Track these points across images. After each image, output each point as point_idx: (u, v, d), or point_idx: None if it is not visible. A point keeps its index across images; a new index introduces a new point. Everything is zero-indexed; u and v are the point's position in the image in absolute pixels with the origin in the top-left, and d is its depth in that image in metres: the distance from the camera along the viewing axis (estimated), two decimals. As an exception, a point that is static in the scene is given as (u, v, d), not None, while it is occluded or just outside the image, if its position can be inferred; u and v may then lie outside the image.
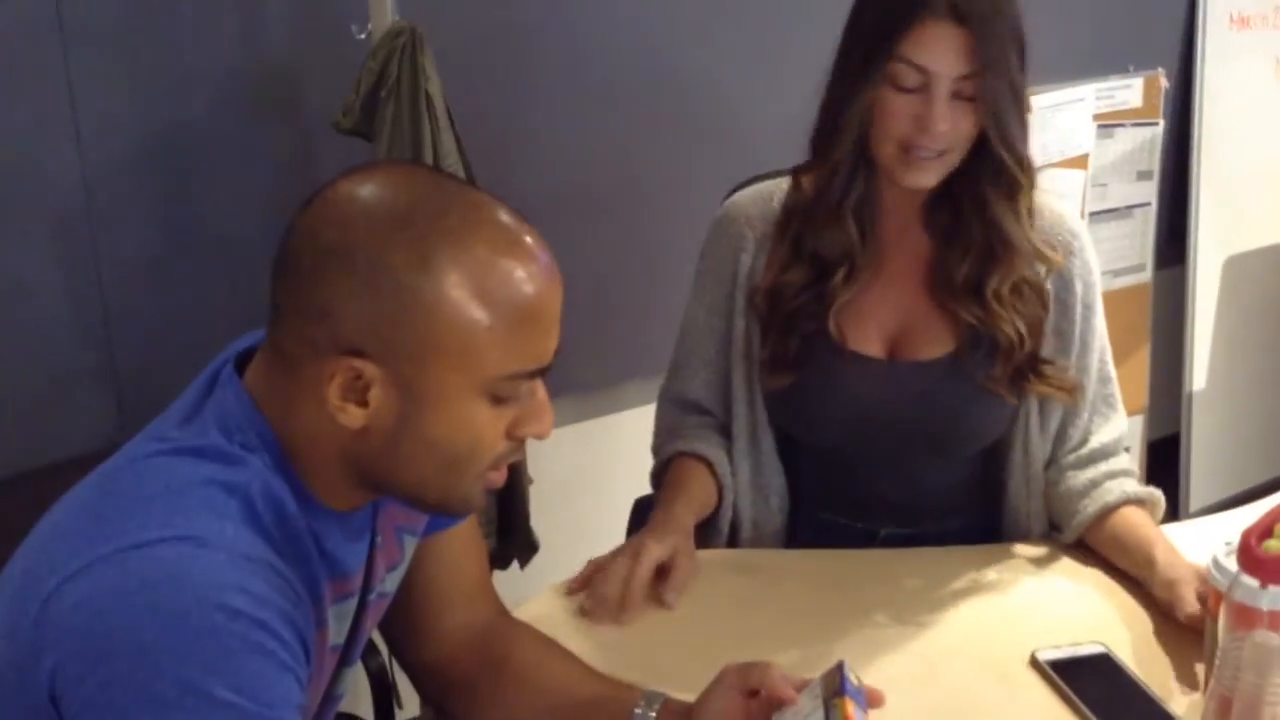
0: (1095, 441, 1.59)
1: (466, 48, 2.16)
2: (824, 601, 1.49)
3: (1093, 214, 2.98)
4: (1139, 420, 3.10)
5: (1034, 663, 1.33)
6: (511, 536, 2.19)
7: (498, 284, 0.95)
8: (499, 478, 1.05)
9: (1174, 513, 1.57)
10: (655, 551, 1.45)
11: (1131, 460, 1.63)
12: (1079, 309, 1.58)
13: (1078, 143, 2.92)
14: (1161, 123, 3.05)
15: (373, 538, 1.12)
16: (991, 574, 1.53)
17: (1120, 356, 1.65)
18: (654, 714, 1.20)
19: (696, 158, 2.44)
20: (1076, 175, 2.94)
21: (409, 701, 1.65)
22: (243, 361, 1.04)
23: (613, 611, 1.42)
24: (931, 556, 1.59)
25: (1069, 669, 1.31)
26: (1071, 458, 1.60)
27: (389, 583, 1.18)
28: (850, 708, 1.10)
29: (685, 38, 2.43)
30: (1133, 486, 1.55)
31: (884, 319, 1.58)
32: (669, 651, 1.38)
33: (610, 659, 1.33)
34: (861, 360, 1.57)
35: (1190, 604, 1.34)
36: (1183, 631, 1.36)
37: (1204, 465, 3.32)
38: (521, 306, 0.97)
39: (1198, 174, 3.18)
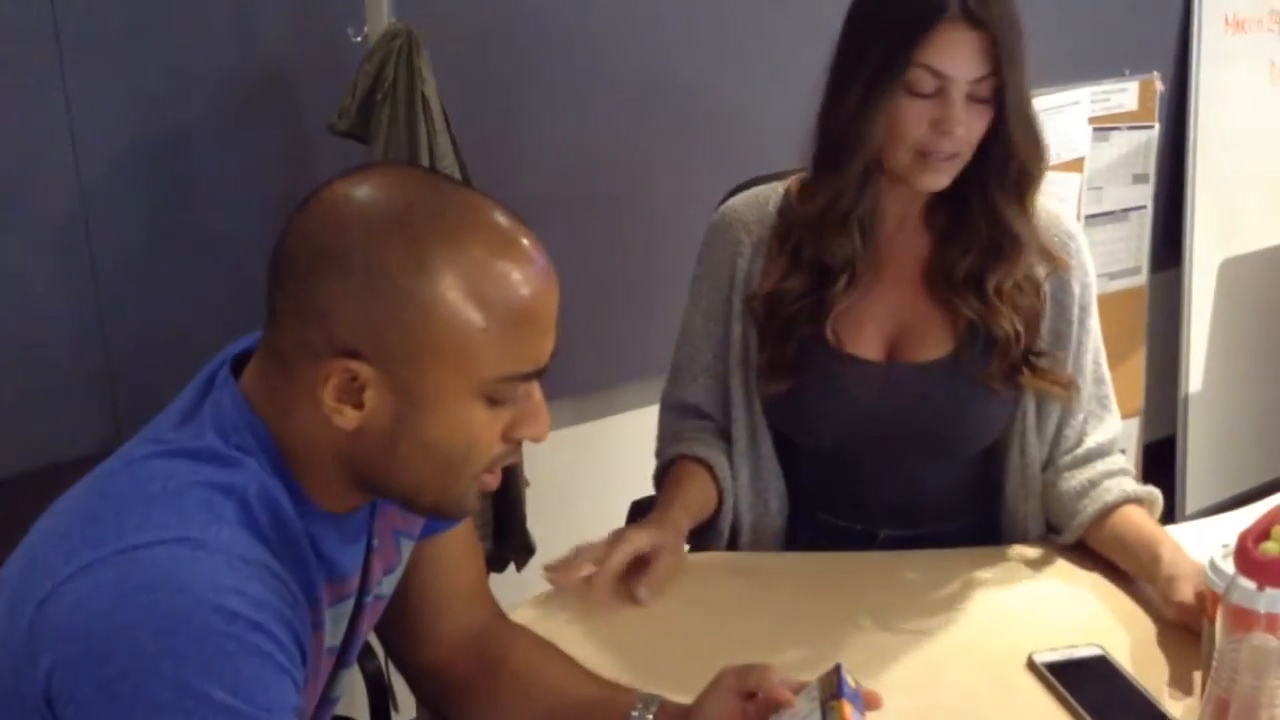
0: (1091, 442, 1.60)
1: (462, 50, 2.16)
2: (823, 603, 1.49)
3: (1088, 217, 2.99)
4: (1135, 423, 3.11)
5: (1031, 665, 1.33)
6: (508, 539, 2.19)
7: (493, 286, 0.95)
8: (493, 481, 1.05)
9: (1170, 515, 1.57)
10: (636, 540, 1.46)
11: (1128, 461, 1.63)
12: (1075, 310, 1.58)
13: (1073, 146, 2.93)
14: (1157, 126, 3.06)
15: (369, 540, 1.12)
16: (989, 576, 1.53)
17: (1116, 359, 1.66)
18: (651, 716, 1.20)
19: (693, 160, 2.44)
20: (1072, 178, 2.94)
21: (405, 704, 1.65)
22: (239, 364, 1.04)
23: (577, 585, 1.41)
24: (930, 558, 1.59)
25: (1066, 671, 1.31)
26: (1068, 458, 1.60)
27: (386, 585, 1.18)
28: (847, 710, 1.10)
29: (682, 40, 2.43)
30: (1131, 485, 1.55)
31: (882, 321, 1.59)
32: (666, 654, 1.38)
33: (607, 661, 1.33)
34: (859, 363, 1.57)
35: (1181, 595, 1.34)
36: (1180, 634, 1.36)
37: (1200, 468, 3.32)
38: (517, 308, 0.96)
39: (1193, 177, 3.18)
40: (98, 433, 1.98)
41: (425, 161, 1.91)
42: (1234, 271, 3.30)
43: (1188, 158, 3.17)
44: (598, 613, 1.45)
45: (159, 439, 1.00)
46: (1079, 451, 1.60)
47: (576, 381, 2.44)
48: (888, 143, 1.47)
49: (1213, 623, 1.20)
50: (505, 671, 1.28)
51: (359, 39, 1.97)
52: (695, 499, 1.60)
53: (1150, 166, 3.08)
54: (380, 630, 1.26)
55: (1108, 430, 1.61)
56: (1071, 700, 1.26)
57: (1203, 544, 1.41)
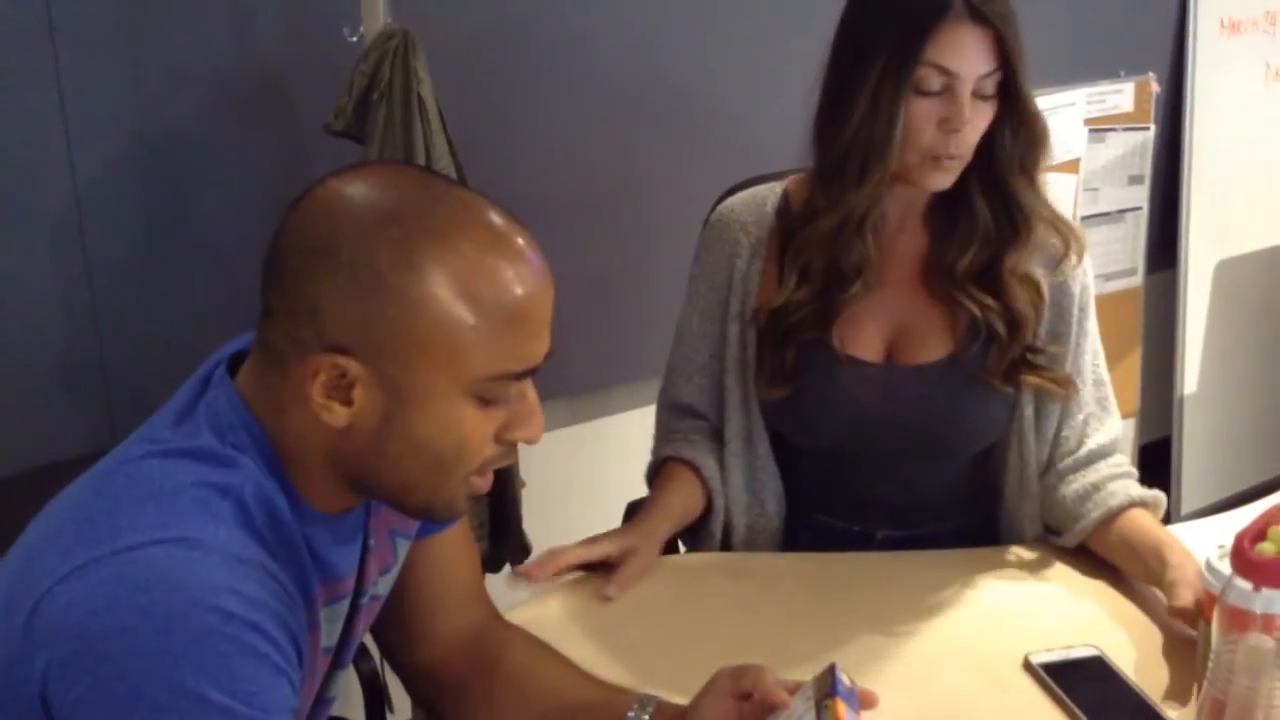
0: (1092, 443, 1.59)
1: (459, 50, 2.16)
2: (820, 604, 1.49)
3: (1084, 218, 2.99)
4: (1130, 424, 3.11)
5: (1027, 665, 1.33)
6: (504, 540, 2.18)
7: (484, 283, 0.95)
8: (483, 483, 1.04)
9: (1166, 517, 1.57)
10: (603, 545, 1.49)
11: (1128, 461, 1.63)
12: (1074, 311, 1.59)
13: (1069, 147, 2.93)
14: (1153, 127, 3.06)
15: (365, 540, 1.11)
16: (986, 577, 1.53)
17: (1112, 360, 1.66)
18: (647, 717, 1.20)
19: (690, 160, 2.44)
20: (1068, 179, 2.95)
21: (401, 705, 1.64)
22: (235, 363, 1.04)
23: (536, 570, 1.45)
24: (927, 559, 1.59)
25: (1062, 671, 1.31)
26: (1069, 461, 1.59)
27: (381, 585, 1.18)
28: (841, 708, 1.10)
29: (678, 40, 2.43)
30: (1136, 489, 1.54)
31: (881, 323, 1.59)
32: (663, 655, 1.38)
33: (603, 662, 1.33)
34: (859, 365, 1.57)
35: (1181, 600, 1.34)
36: (1176, 634, 1.36)
37: (1195, 469, 3.33)
38: (509, 306, 0.96)
39: (1189, 178, 3.19)
40: (93, 432, 1.97)
41: (421, 161, 1.91)
42: (1229, 273, 3.31)
43: (1183, 159, 3.18)
44: (594, 613, 1.45)
45: (154, 438, 1.00)
46: (1080, 454, 1.59)
47: (572, 382, 2.44)
48: (898, 146, 1.47)
49: (1209, 623, 1.21)
50: (501, 672, 1.27)
51: (355, 39, 1.97)
52: (676, 503, 1.61)
53: (1146, 168, 3.09)
54: (376, 630, 1.26)
55: (1108, 432, 1.61)
56: (1067, 700, 1.26)
57: (1199, 545, 1.41)
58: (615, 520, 1.73)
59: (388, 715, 1.80)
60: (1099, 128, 2.98)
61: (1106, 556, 1.53)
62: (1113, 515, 1.52)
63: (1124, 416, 1.66)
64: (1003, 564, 1.58)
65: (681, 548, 1.71)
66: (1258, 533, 1.17)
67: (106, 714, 0.87)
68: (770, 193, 1.65)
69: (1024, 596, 1.51)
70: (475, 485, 1.03)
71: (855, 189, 1.50)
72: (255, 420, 1.00)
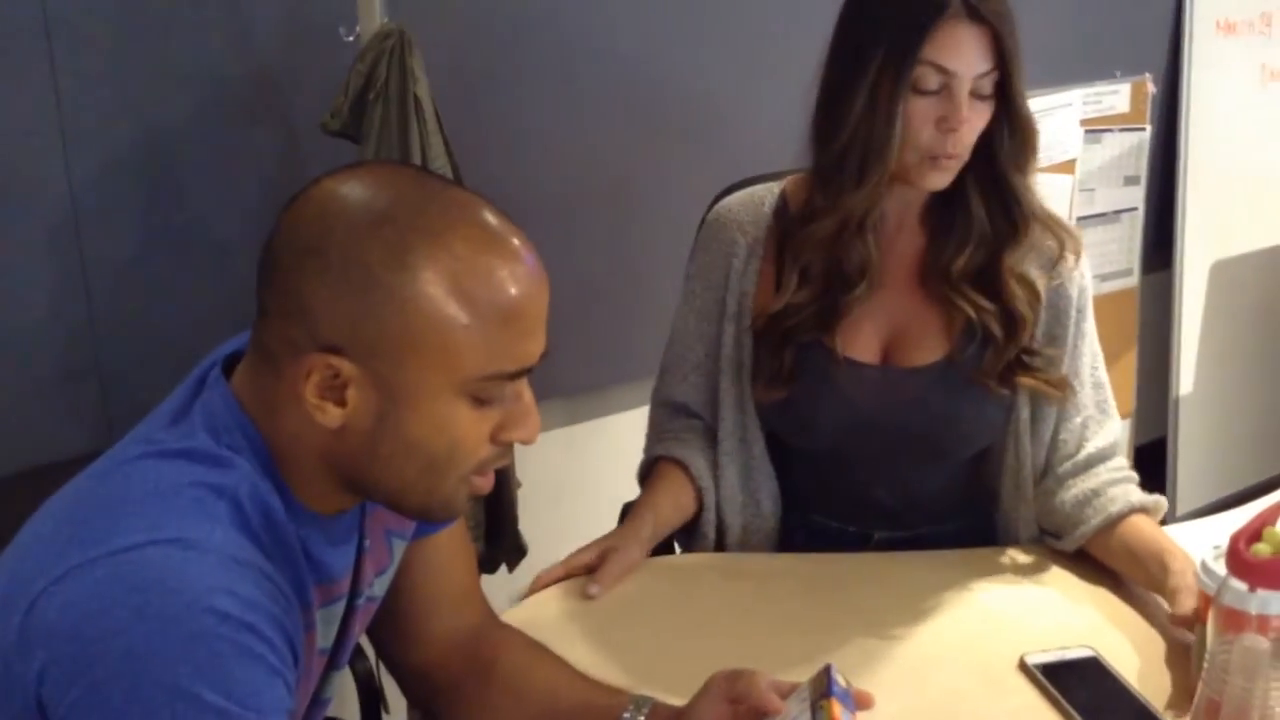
0: (1091, 447, 1.58)
1: (455, 50, 2.16)
2: (816, 605, 1.49)
3: (1080, 219, 2.99)
4: (1126, 424, 3.11)
5: (1023, 666, 1.33)
6: (500, 540, 2.18)
7: (477, 282, 0.95)
8: (484, 484, 1.04)
9: (1161, 518, 1.56)
10: (581, 557, 1.52)
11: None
12: (1072, 313, 1.58)
13: (1065, 147, 2.93)
14: (1148, 128, 3.06)
15: (360, 541, 1.11)
16: (982, 578, 1.53)
17: (1108, 361, 1.66)
18: (642, 718, 1.20)
19: (685, 161, 2.44)
20: (1064, 180, 2.95)
21: (396, 706, 1.64)
22: (231, 364, 1.04)
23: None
24: (923, 560, 1.59)
25: (1058, 672, 1.31)
26: (1068, 465, 1.58)
27: (377, 586, 1.18)
28: (836, 709, 1.10)
29: (673, 42, 2.43)
30: (1137, 495, 1.53)
31: (878, 324, 1.58)
32: (658, 655, 1.38)
33: (599, 663, 1.33)
34: (856, 366, 1.57)
35: (1181, 608, 1.33)
36: (1172, 635, 1.37)
37: (1191, 469, 3.33)
38: (502, 306, 0.96)
39: (1184, 179, 3.19)
40: (89, 433, 1.97)
41: (417, 161, 1.91)
42: (1225, 273, 3.31)
43: (1179, 160, 3.18)
44: (590, 614, 1.45)
45: (150, 439, 1.00)
46: (1079, 458, 1.58)
47: (567, 383, 2.44)
48: (897, 145, 1.47)
49: (1204, 624, 1.21)
50: (496, 673, 1.27)
51: (351, 38, 1.97)
52: (665, 502, 1.61)
53: (1142, 168, 3.09)
54: (371, 631, 1.26)
55: (1108, 435, 1.60)
56: (1063, 701, 1.26)
57: (1194, 546, 1.41)
58: (611, 520, 1.73)
59: (383, 716, 1.80)
60: (1095, 128, 2.98)
61: (1106, 562, 1.52)
62: (1113, 522, 1.51)
63: (1120, 417, 1.65)
64: (999, 565, 1.58)
65: (677, 548, 1.71)
66: (1253, 533, 1.17)
67: (102, 716, 0.86)
68: (768, 193, 1.65)
69: (1020, 597, 1.51)
70: (476, 486, 1.03)
71: (854, 189, 1.50)
72: (250, 421, 0.99)
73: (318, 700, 1.15)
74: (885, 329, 1.59)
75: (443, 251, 0.94)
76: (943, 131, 1.45)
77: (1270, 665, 1.08)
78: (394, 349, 0.94)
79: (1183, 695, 1.27)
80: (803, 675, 1.18)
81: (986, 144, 1.50)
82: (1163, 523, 1.55)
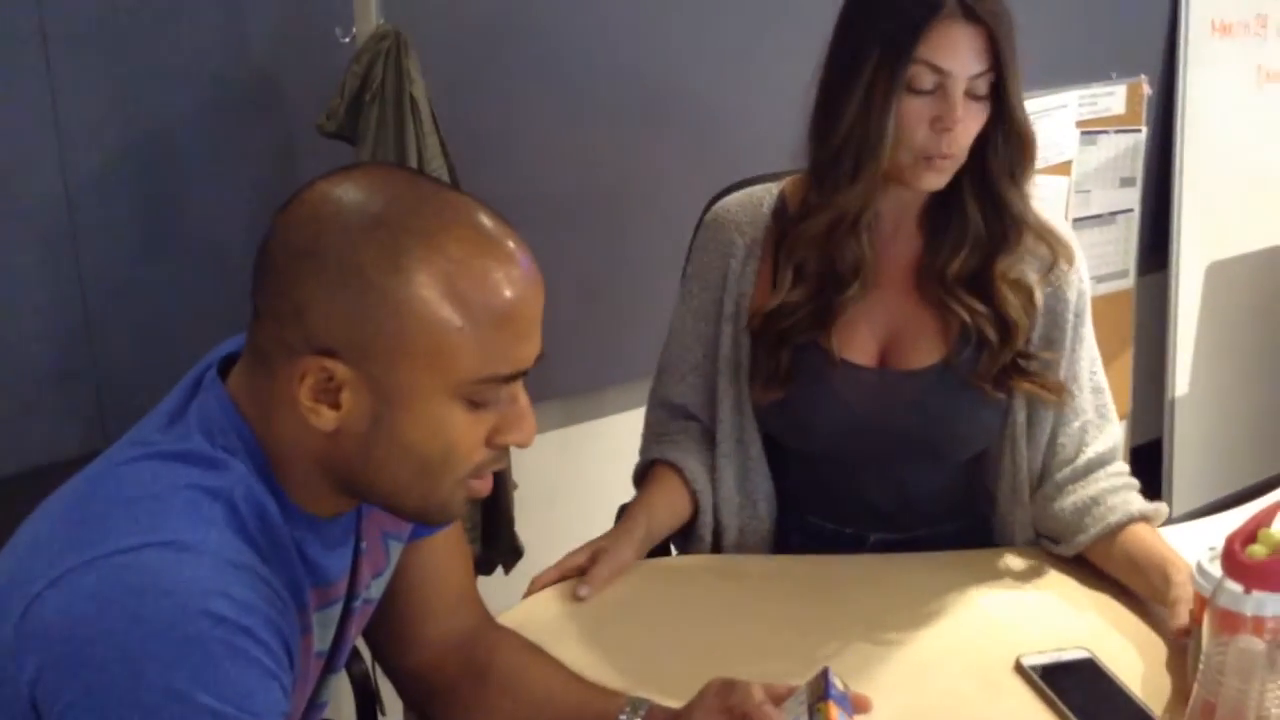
0: (1090, 452, 1.58)
1: (451, 51, 2.16)
2: (812, 607, 1.49)
3: (1076, 220, 3.00)
4: (1122, 426, 3.11)
5: (1019, 668, 1.33)
6: (496, 542, 2.18)
7: (471, 285, 0.94)
8: (482, 486, 1.03)
9: (1157, 519, 1.56)
10: (573, 559, 1.52)
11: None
12: (1070, 317, 1.58)
13: (1061, 149, 2.93)
14: (1144, 129, 3.07)
15: (357, 543, 1.11)
16: (979, 580, 1.53)
17: (1104, 362, 1.66)
18: (639, 720, 1.20)
19: (681, 162, 2.44)
20: (1060, 181, 2.95)
21: (392, 708, 1.64)
22: (227, 366, 1.04)
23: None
24: (919, 562, 1.59)
25: (1054, 674, 1.31)
26: (1067, 471, 1.58)
27: (374, 589, 1.17)
28: (834, 712, 1.11)
29: (669, 43, 2.43)
30: (1137, 503, 1.53)
31: (875, 326, 1.58)
32: (655, 657, 1.38)
33: (595, 665, 1.33)
34: (853, 369, 1.57)
35: (1180, 621, 1.33)
36: (1168, 637, 1.37)
37: (1186, 470, 3.33)
38: (496, 309, 0.95)
39: (1180, 180, 3.19)
40: (85, 434, 1.97)
41: (413, 163, 1.91)
42: (1221, 274, 3.31)
43: (1175, 161, 3.19)
44: (586, 616, 1.45)
45: (145, 441, 0.99)
46: (1079, 463, 1.57)
47: (564, 384, 2.44)
48: (890, 144, 1.47)
49: (1200, 625, 1.21)
50: (492, 675, 1.27)
51: (347, 40, 1.97)
52: (660, 504, 1.61)
53: (1137, 170, 3.09)
54: (367, 634, 1.26)
55: (1107, 439, 1.60)
56: (1059, 703, 1.26)
57: (1189, 547, 1.41)
58: (607, 522, 1.73)
59: (379, 718, 1.80)
60: (1091, 130, 2.98)
61: (1106, 570, 1.51)
62: (1112, 531, 1.50)
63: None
64: (995, 567, 1.57)
65: (673, 550, 1.71)
66: (1249, 535, 1.17)
67: (97, 718, 0.86)
68: (766, 193, 1.65)
69: (1016, 599, 1.51)
70: (474, 489, 1.03)
71: (848, 186, 1.50)
72: (245, 423, 0.99)
73: (314, 703, 1.15)
74: (882, 331, 1.59)
75: (437, 254, 0.94)
76: (937, 131, 1.45)
77: (1265, 666, 1.08)
78: (388, 352, 0.94)
79: (1178, 696, 1.28)
80: (799, 677, 1.18)
81: (982, 148, 1.50)
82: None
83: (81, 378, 1.98)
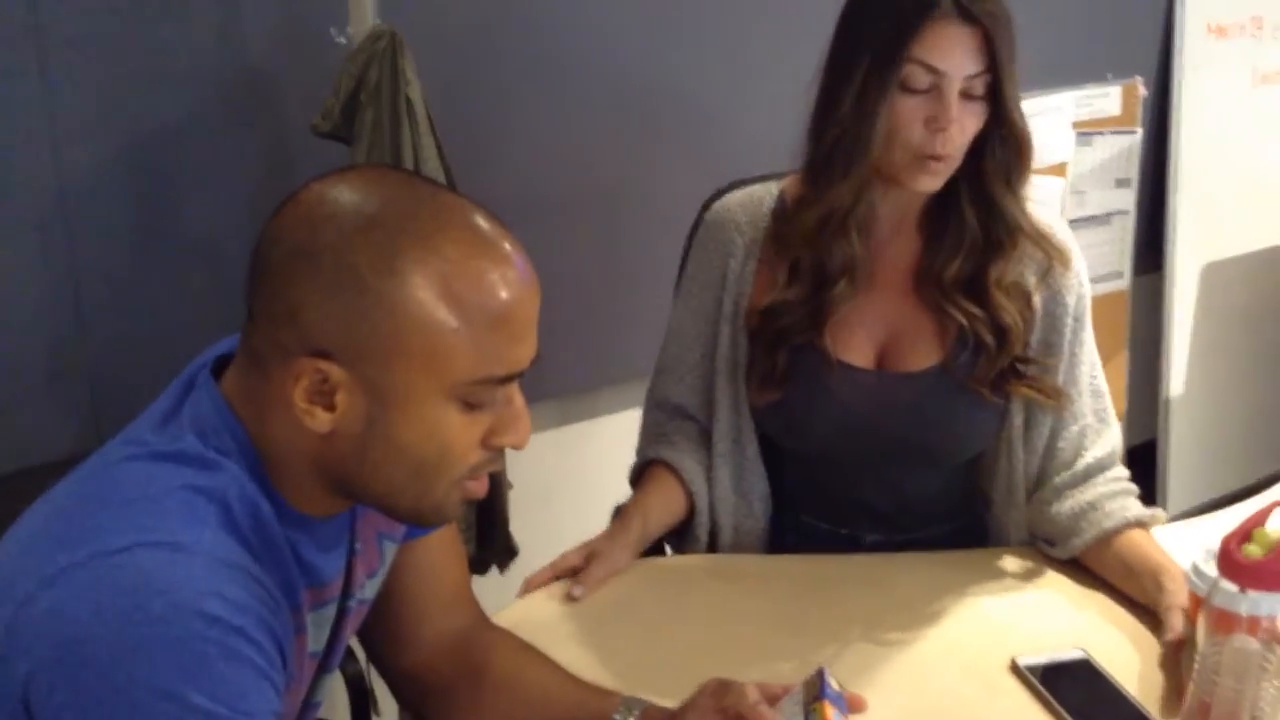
0: (1089, 457, 1.57)
1: (447, 52, 2.16)
2: (808, 606, 1.49)
3: (1071, 221, 2.99)
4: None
5: (1014, 668, 1.33)
6: (491, 542, 2.18)
7: (467, 286, 0.94)
8: (478, 488, 1.03)
9: (1153, 520, 1.56)
10: (568, 559, 1.52)
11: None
12: (1069, 321, 1.58)
13: (1056, 150, 2.94)
14: (1140, 130, 3.07)
15: (351, 544, 1.11)
16: (974, 580, 1.53)
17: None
18: (633, 720, 1.20)
19: (676, 163, 2.44)
20: (1055, 182, 2.95)
21: (387, 708, 1.64)
22: (221, 366, 1.04)
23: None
24: (915, 562, 1.59)
25: (1049, 674, 1.31)
26: (1065, 476, 1.57)
27: (369, 589, 1.17)
28: (829, 712, 1.11)
29: (665, 44, 2.43)
30: (1134, 509, 1.52)
31: (873, 328, 1.58)
32: (650, 657, 1.38)
33: (590, 665, 1.33)
34: (850, 371, 1.57)
35: (1174, 628, 1.32)
36: (1163, 638, 1.36)
37: (1181, 471, 3.34)
38: (492, 310, 0.95)
39: (1175, 181, 3.20)
40: (78, 434, 1.97)
41: (409, 163, 1.91)
42: (1216, 275, 3.32)
43: (1170, 162, 3.19)
44: (581, 616, 1.45)
45: (139, 441, 0.99)
46: (1078, 468, 1.57)
47: (560, 384, 2.44)
48: (884, 143, 1.47)
49: (1195, 626, 1.21)
50: (487, 676, 1.27)
51: (342, 40, 1.97)
52: (655, 504, 1.61)
53: (1133, 171, 3.10)
54: (362, 634, 1.25)
55: (1106, 444, 1.59)
56: (1054, 703, 1.26)
57: (1184, 547, 1.41)
58: (602, 522, 1.72)
59: (374, 719, 1.79)
60: (1086, 131, 2.99)
61: (1100, 574, 1.51)
62: (1107, 536, 1.50)
63: (1113, 420, 1.65)
64: (991, 567, 1.57)
65: (668, 550, 1.71)
66: (1244, 535, 1.17)
67: (89, 718, 0.86)
68: (766, 193, 1.64)
69: (1012, 600, 1.51)
70: (470, 490, 1.03)
71: (839, 183, 1.50)
72: (239, 423, 0.99)
73: (309, 703, 1.15)
74: (880, 333, 1.59)
75: (432, 255, 0.94)
76: (931, 131, 1.45)
77: (1260, 666, 1.08)
78: (383, 353, 0.94)
79: (1174, 696, 1.27)
80: (795, 677, 1.18)
81: (978, 152, 1.50)
82: (1155, 526, 1.54)
83: (74, 377, 1.98)
